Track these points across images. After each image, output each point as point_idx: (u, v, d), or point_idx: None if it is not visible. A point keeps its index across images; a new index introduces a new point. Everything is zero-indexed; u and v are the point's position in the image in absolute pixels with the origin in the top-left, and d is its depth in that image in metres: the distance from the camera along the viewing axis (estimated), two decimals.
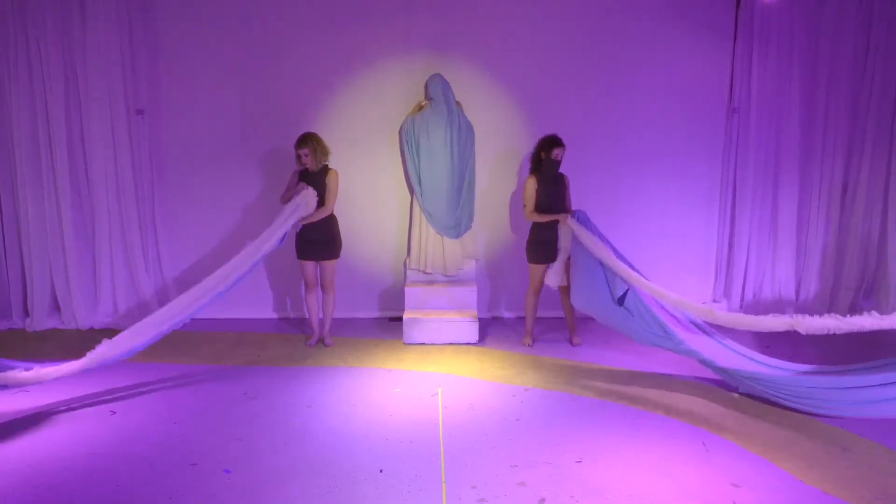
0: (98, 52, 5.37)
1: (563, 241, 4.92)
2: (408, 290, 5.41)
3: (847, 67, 5.69)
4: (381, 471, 3.14)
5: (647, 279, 4.45)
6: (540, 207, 4.99)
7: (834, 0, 5.62)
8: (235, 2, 5.64)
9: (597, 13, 5.78)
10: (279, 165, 5.76)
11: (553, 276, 5.00)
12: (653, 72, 5.85)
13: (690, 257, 6.13)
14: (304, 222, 4.87)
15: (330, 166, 5.02)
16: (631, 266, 4.56)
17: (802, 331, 3.77)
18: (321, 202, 4.92)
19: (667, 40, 5.81)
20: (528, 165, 5.27)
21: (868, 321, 3.63)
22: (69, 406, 3.93)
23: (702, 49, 5.86)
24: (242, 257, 4.46)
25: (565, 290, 5.07)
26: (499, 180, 5.92)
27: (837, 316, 3.73)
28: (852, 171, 5.83)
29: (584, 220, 4.78)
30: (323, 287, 5.11)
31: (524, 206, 5.05)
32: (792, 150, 5.85)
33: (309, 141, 4.91)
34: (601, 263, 4.59)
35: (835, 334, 3.71)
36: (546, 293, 5.22)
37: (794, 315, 3.85)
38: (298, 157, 4.93)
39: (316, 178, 4.94)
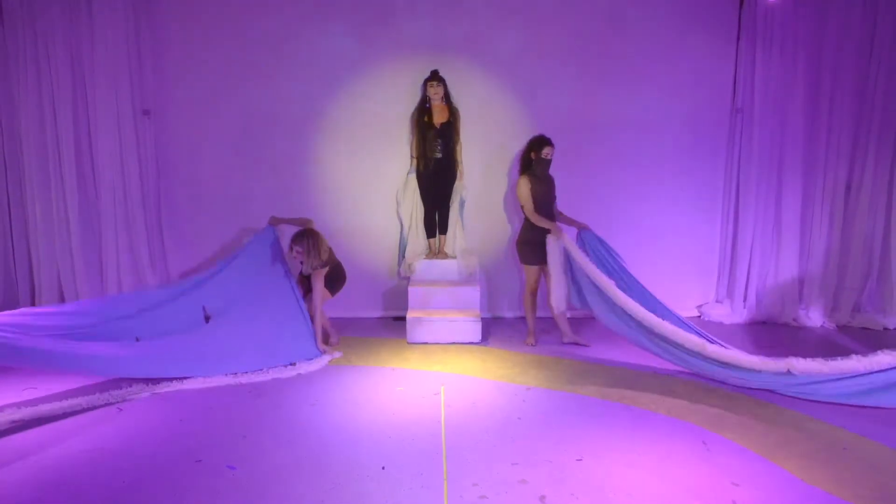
0: (105, 54, 5.44)
1: (552, 257, 4.85)
2: (411, 290, 5.44)
3: (851, 68, 5.69)
4: (383, 468, 3.17)
5: (641, 305, 4.50)
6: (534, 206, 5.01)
7: (838, 1, 5.62)
8: (239, 4, 5.69)
9: (599, 13, 5.81)
10: (284, 165, 5.82)
11: (558, 299, 4.86)
12: (656, 72, 5.87)
13: (694, 257, 6.14)
14: (317, 328, 4.89)
15: (321, 265, 4.86)
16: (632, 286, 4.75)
17: (797, 373, 3.95)
18: (307, 293, 4.98)
19: (670, 40, 5.83)
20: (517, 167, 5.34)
21: (860, 365, 3.83)
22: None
23: (705, 49, 5.87)
24: None
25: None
26: (497, 179, 5.95)
27: (825, 362, 3.93)
28: (856, 171, 5.83)
29: (590, 239, 4.91)
30: (307, 300, 5.02)
31: (522, 206, 5.06)
32: (795, 151, 5.85)
33: (305, 241, 4.75)
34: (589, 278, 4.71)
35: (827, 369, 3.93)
36: (544, 293, 5.25)
37: (789, 358, 4.02)
38: (291, 249, 4.82)
39: (307, 277, 4.97)
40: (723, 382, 4.30)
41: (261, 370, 4.46)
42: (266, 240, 5.11)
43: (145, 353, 4.22)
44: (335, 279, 5.08)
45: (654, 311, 4.53)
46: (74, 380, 4.33)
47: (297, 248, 4.78)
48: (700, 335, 4.41)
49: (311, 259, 4.77)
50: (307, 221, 5.04)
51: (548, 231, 4.99)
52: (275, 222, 5.16)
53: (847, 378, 3.89)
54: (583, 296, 4.78)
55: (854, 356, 3.89)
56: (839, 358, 3.93)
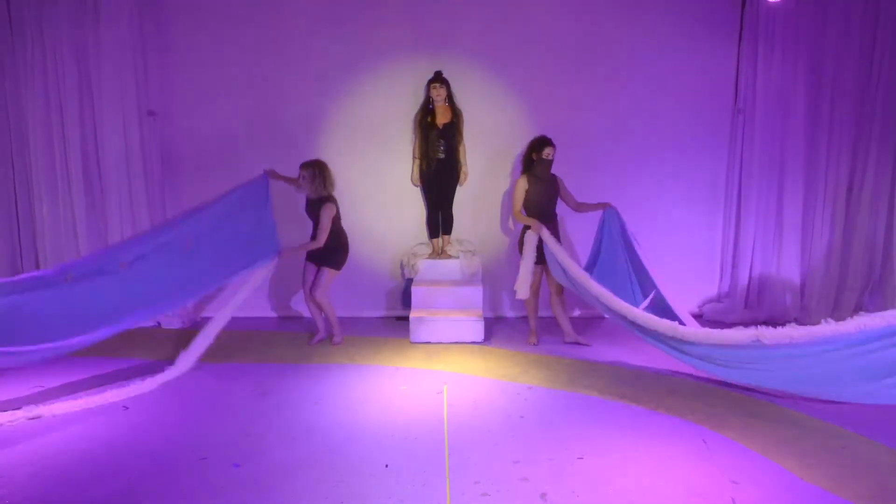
0: (111, 56, 5.49)
1: (526, 249, 4.98)
2: (414, 290, 5.48)
3: (853, 67, 5.69)
4: (386, 465, 3.21)
5: (620, 299, 4.55)
6: (529, 207, 5.06)
7: (839, 1, 5.63)
8: (244, 5, 5.73)
9: (600, 13, 5.83)
10: (287, 166, 5.83)
11: (521, 287, 5.00)
12: (657, 72, 5.89)
13: (695, 256, 6.16)
14: (300, 251, 5.01)
15: (331, 198, 5.00)
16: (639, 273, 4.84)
17: (766, 341, 3.86)
18: (313, 235, 5.01)
19: (672, 40, 5.85)
20: (520, 166, 5.38)
21: (828, 329, 3.74)
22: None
23: (707, 49, 5.89)
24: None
25: (556, 291, 5.13)
26: (499, 180, 5.99)
27: (796, 326, 3.86)
28: (857, 171, 5.82)
29: (610, 217, 5.00)
30: (313, 290, 5.09)
31: (512, 205, 5.14)
32: (797, 150, 5.86)
33: (313, 167, 4.94)
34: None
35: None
36: (545, 293, 5.29)
37: (759, 327, 3.95)
38: (299, 175, 4.97)
39: (315, 206, 5.01)
40: (727, 383, 4.32)
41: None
42: (258, 184, 5.04)
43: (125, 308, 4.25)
44: (339, 249, 5.08)
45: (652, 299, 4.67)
46: (80, 377, 4.38)
47: (304, 172, 4.93)
48: (676, 319, 4.44)
49: (316, 184, 4.90)
50: None
51: (548, 231, 5.06)
52: (272, 175, 5.11)
53: (818, 346, 3.77)
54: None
55: (823, 321, 3.82)
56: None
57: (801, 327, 3.84)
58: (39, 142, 5.53)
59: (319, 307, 5.19)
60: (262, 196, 5.00)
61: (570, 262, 4.81)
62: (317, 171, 4.93)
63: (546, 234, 4.93)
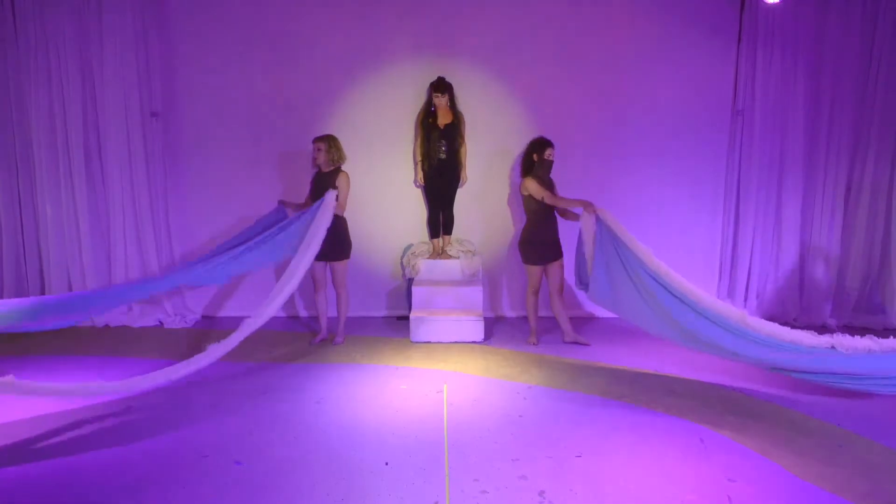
0: (114, 58, 5.53)
1: (588, 235, 4.77)
2: (415, 290, 5.51)
3: (851, 69, 5.71)
4: (386, 463, 3.25)
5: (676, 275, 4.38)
6: (534, 208, 5.08)
7: (838, 2, 5.66)
8: (247, 7, 5.77)
9: (600, 15, 5.85)
10: (290, 168, 5.89)
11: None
12: (657, 73, 5.91)
13: (695, 258, 6.16)
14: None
15: (342, 169, 5.11)
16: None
17: (843, 350, 3.78)
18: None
19: (671, 42, 5.87)
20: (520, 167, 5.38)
21: None
22: (86, 400, 4.05)
23: (706, 51, 5.90)
24: (286, 279, 4.61)
25: (556, 290, 5.14)
26: (499, 180, 6.02)
27: (875, 338, 3.77)
28: (856, 171, 5.85)
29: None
30: (334, 286, 5.23)
31: (541, 198, 5.00)
32: (796, 152, 5.88)
33: (326, 139, 5.09)
34: (622, 260, 4.55)
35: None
36: (545, 293, 5.32)
37: (835, 334, 3.88)
38: (313, 150, 5.11)
39: (327, 178, 5.06)
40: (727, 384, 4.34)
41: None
42: (280, 212, 5.18)
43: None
44: (343, 238, 5.10)
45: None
46: (86, 377, 4.41)
47: (318, 144, 5.07)
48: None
49: (332, 153, 5.05)
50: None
51: (550, 231, 5.12)
52: (285, 204, 5.25)
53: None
54: (600, 284, 4.66)
55: None
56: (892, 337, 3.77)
57: (882, 339, 3.75)
58: (43, 143, 5.56)
59: (339, 302, 5.25)
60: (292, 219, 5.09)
61: (635, 240, 4.53)
62: (331, 142, 5.07)
63: (606, 214, 4.68)
